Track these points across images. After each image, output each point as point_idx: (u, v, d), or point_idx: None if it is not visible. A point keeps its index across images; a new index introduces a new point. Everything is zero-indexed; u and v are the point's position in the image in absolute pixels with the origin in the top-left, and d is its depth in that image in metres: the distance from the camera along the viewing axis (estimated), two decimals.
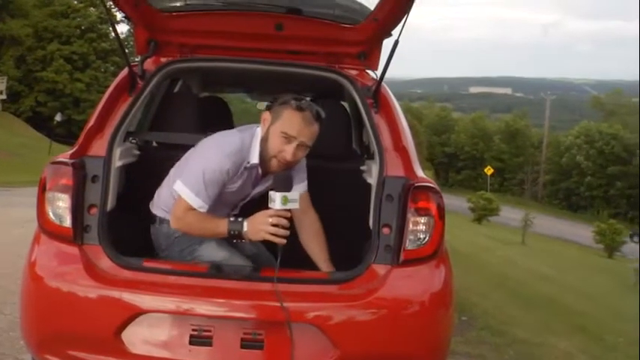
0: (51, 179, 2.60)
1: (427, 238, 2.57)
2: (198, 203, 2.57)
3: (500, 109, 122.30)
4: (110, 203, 2.69)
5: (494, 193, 44.15)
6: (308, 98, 2.78)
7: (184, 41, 3.14)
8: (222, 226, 2.55)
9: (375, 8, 2.89)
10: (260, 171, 2.72)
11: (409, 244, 2.56)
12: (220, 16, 3.11)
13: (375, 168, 2.80)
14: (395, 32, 2.99)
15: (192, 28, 3.13)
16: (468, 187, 58.15)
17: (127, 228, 2.85)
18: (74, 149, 2.75)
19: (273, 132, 2.57)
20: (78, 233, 2.57)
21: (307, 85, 4.22)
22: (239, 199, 2.86)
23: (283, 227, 2.45)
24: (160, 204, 2.85)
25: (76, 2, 47.83)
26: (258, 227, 2.47)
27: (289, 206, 2.45)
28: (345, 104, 3.82)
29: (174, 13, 3.12)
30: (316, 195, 2.92)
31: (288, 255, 2.49)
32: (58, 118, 38.83)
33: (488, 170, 47.59)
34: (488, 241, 19.18)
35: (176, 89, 4.06)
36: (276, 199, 2.43)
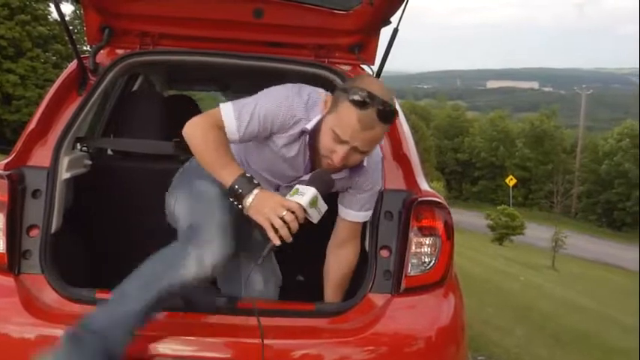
0: None
1: (433, 261, 2.65)
2: (232, 127, 2.49)
3: (525, 107, 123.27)
4: (55, 223, 2.72)
5: (518, 207, 44.41)
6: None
7: (146, 29, 3.21)
8: (230, 171, 2.42)
9: None
10: (309, 147, 2.58)
11: (412, 270, 2.64)
12: (189, 0, 3.19)
13: None
14: (394, 19, 3.10)
15: (155, 13, 3.20)
16: (485, 200, 58.56)
17: (76, 253, 2.89)
18: (10, 158, 2.79)
19: (326, 125, 2.43)
20: (14, 260, 2.59)
21: (292, 83, 4.28)
22: (286, 176, 2.70)
23: (289, 229, 2.31)
24: None
25: None
26: (267, 208, 2.32)
27: (312, 213, 2.37)
28: None
29: None
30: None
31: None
32: None
33: (511, 181, 47.84)
34: (511, 264, 19.23)
35: (135, 87, 4.12)
36: (306, 194, 2.36)
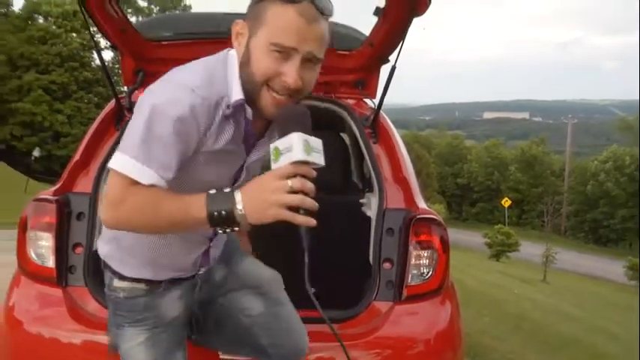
0: (33, 217, 2.70)
1: (431, 272, 2.66)
2: (149, 175, 1.65)
3: (517, 135, 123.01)
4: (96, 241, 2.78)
5: (513, 226, 44.11)
6: None
7: None
8: (197, 204, 1.64)
9: (371, 33, 3.05)
10: (249, 115, 1.79)
11: (412, 280, 2.65)
12: (209, 44, 3.24)
13: (374, 200, 2.90)
14: (392, 58, 3.13)
15: (180, 57, 3.25)
16: (483, 220, 58.35)
17: None
18: (58, 185, 2.86)
19: (258, 47, 1.69)
20: (62, 274, 2.66)
21: None
22: (228, 174, 1.91)
23: (308, 194, 1.59)
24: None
25: (55, 28, 48.34)
26: (270, 199, 1.58)
27: (313, 158, 1.60)
28: (344, 135, 3.95)
29: (162, 42, 3.27)
30: (310, 231, 3.01)
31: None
32: (36, 153, 39.10)
33: (506, 202, 47.62)
34: (506, 279, 19.11)
35: None
36: (292, 144, 1.59)
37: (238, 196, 1.61)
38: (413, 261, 2.66)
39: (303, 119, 1.65)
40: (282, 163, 1.59)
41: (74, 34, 48.17)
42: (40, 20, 49.79)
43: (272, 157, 1.62)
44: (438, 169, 61.56)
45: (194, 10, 58.72)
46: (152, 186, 1.65)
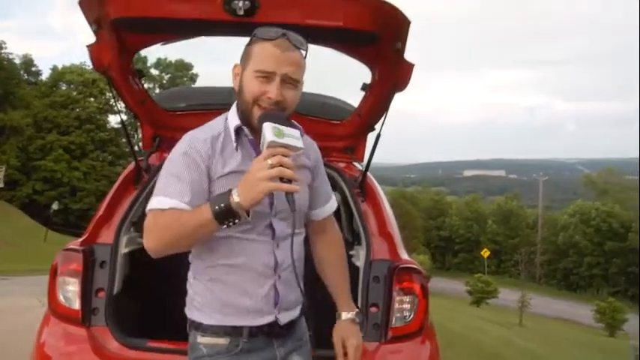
0: (62, 265, 2.80)
1: (412, 315, 2.75)
2: (167, 202, 1.85)
3: (495, 191, 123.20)
4: (117, 287, 2.86)
5: (492, 275, 44.06)
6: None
7: None
8: (205, 207, 1.78)
9: (359, 105, 3.23)
10: (248, 134, 1.98)
11: (396, 322, 2.73)
12: (217, 114, 3.41)
13: (362, 252, 3.00)
14: (378, 126, 3.28)
15: (194, 125, 3.40)
16: (465, 270, 58.03)
17: (133, 310, 3.02)
18: (84, 237, 2.96)
19: (247, 77, 1.93)
20: (86, 316, 2.74)
21: None
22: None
23: (288, 168, 1.73)
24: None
25: (75, 93, 49.08)
26: (255, 178, 1.72)
27: (287, 141, 1.78)
28: (336, 193, 4.07)
29: (177, 112, 3.43)
30: (304, 279, 3.09)
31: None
32: (54, 206, 39.18)
33: (485, 253, 47.58)
34: (485, 323, 19.05)
35: None
36: (266, 129, 1.78)
37: (234, 190, 1.75)
38: (396, 305, 2.74)
39: (276, 111, 1.87)
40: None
41: (92, 99, 48.84)
42: (64, 87, 50.53)
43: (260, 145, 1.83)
44: (422, 222, 61.50)
45: (201, 77, 59.51)
46: (172, 209, 1.82)
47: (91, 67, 2.81)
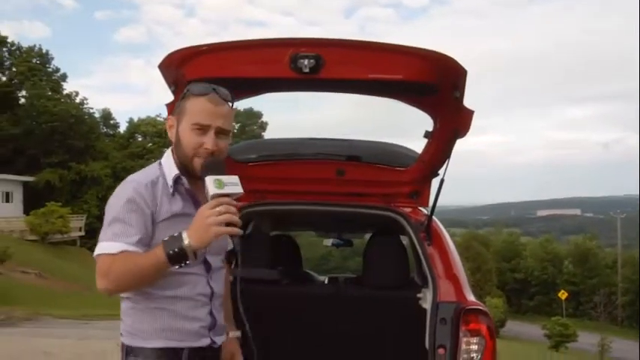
0: None
1: (479, 356, 2.77)
2: (117, 246, 2.01)
3: (570, 230, 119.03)
4: None
5: (570, 318, 42.32)
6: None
7: (257, 187, 3.56)
8: (158, 251, 1.95)
9: (422, 152, 3.34)
10: (185, 184, 2.16)
11: None
12: (288, 164, 3.61)
13: (429, 295, 3.05)
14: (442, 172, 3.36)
15: (263, 175, 3.59)
16: (541, 312, 56.03)
17: None
18: None
19: (184, 130, 2.11)
20: None
21: (367, 223, 4.54)
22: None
23: (234, 215, 1.94)
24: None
25: (150, 145, 51.11)
26: (205, 224, 1.91)
27: (229, 190, 1.97)
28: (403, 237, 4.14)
29: (249, 164, 3.62)
30: (375, 322, 3.17)
31: None
32: None
33: (562, 294, 45.84)
34: None
35: (248, 230, 4.45)
36: (208, 183, 1.96)
37: (184, 234, 1.93)
38: (463, 346, 2.77)
39: (217, 161, 2.07)
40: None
41: (165, 149, 50.40)
42: (139, 138, 52.74)
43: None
44: (496, 264, 60.08)
45: (270, 126, 60.72)
46: (123, 252, 1.99)
47: (165, 118, 3.02)
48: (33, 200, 41.95)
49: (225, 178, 1.98)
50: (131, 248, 2.00)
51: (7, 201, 44.02)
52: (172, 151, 2.21)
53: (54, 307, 20.03)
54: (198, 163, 2.08)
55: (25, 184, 45.64)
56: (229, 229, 1.92)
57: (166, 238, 1.96)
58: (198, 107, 2.09)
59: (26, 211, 40.97)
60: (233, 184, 1.98)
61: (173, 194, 2.14)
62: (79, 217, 42.38)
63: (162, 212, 2.10)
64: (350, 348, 3.43)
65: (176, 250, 1.92)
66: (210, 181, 1.95)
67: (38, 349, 9.82)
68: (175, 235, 1.95)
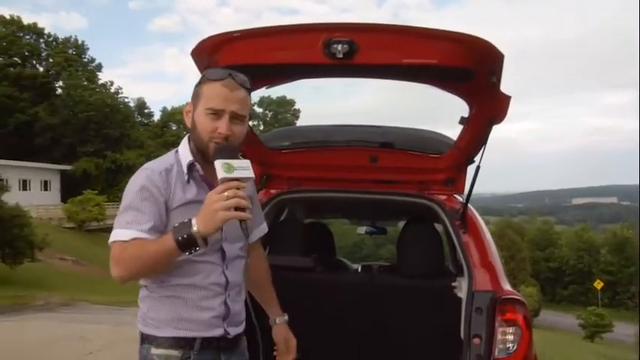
0: None
1: (515, 346, 2.72)
2: (129, 233, 2.03)
3: (606, 219, 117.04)
4: None
5: (606, 308, 41.68)
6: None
7: (291, 174, 3.58)
8: (168, 237, 1.95)
9: (457, 138, 3.27)
10: (199, 169, 2.16)
11: (498, 353, 2.71)
12: (322, 151, 3.57)
13: (464, 283, 3.01)
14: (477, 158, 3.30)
15: (298, 162, 3.59)
16: (576, 302, 55.33)
17: None
18: None
19: (199, 115, 2.10)
20: None
21: (401, 210, 4.51)
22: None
23: (242, 199, 1.91)
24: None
25: (184, 133, 51.46)
26: (212, 209, 1.89)
27: (238, 174, 1.94)
28: (438, 225, 4.09)
29: (282, 151, 3.61)
30: (409, 311, 3.14)
31: None
32: None
33: (598, 284, 45.22)
34: (599, 358, 18.07)
35: (282, 217, 4.46)
36: (217, 167, 1.94)
37: (193, 220, 1.92)
38: (499, 336, 2.72)
39: (229, 146, 2.04)
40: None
41: None
42: (174, 127, 53.25)
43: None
44: (530, 253, 59.40)
45: (302, 113, 60.73)
46: (135, 239, 2.00)
47: None
48: (70, 188, 42.85)
49: (235, 162, 1.97)
50: (143, 235, 2.02)
51: (46, 189, 45.03)
52: (189, 137, 2.21)
53: (90, 293, 20.45)
54: (212, 147, 2.08)
55: (62, 172, 46.62)
56: (237, 213, 1.90)
57: (176, 225, 1.97)
58: (213, 92, 2.09)
59: (64, 199, 41.85)
60: (243, 168, 1.97)
61: (188, 181, 2.14)
62: (114, 205, 42.99)
63: (176, 199, 2.10)
64: (383, 336, 3.40)
65: (185, 236, 1.92)
66: (219, 165, 1.94)
67: (75, 334, 9.99)
68: (185, 221, 1.95)
